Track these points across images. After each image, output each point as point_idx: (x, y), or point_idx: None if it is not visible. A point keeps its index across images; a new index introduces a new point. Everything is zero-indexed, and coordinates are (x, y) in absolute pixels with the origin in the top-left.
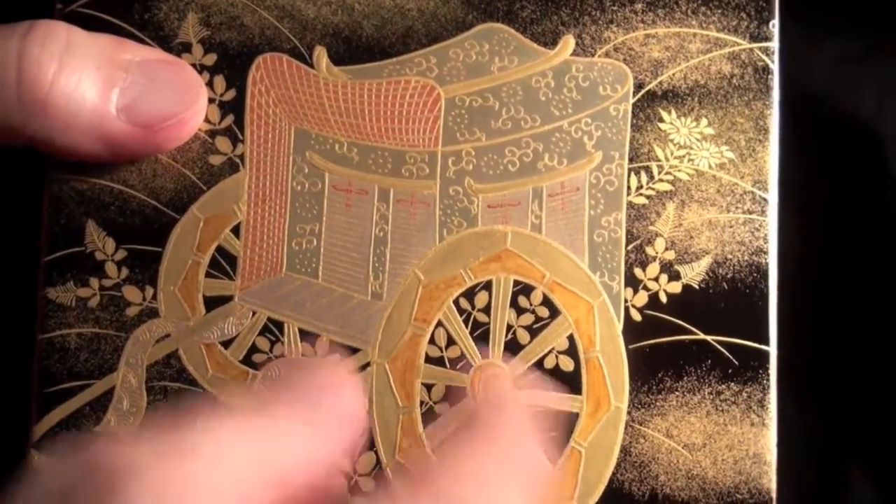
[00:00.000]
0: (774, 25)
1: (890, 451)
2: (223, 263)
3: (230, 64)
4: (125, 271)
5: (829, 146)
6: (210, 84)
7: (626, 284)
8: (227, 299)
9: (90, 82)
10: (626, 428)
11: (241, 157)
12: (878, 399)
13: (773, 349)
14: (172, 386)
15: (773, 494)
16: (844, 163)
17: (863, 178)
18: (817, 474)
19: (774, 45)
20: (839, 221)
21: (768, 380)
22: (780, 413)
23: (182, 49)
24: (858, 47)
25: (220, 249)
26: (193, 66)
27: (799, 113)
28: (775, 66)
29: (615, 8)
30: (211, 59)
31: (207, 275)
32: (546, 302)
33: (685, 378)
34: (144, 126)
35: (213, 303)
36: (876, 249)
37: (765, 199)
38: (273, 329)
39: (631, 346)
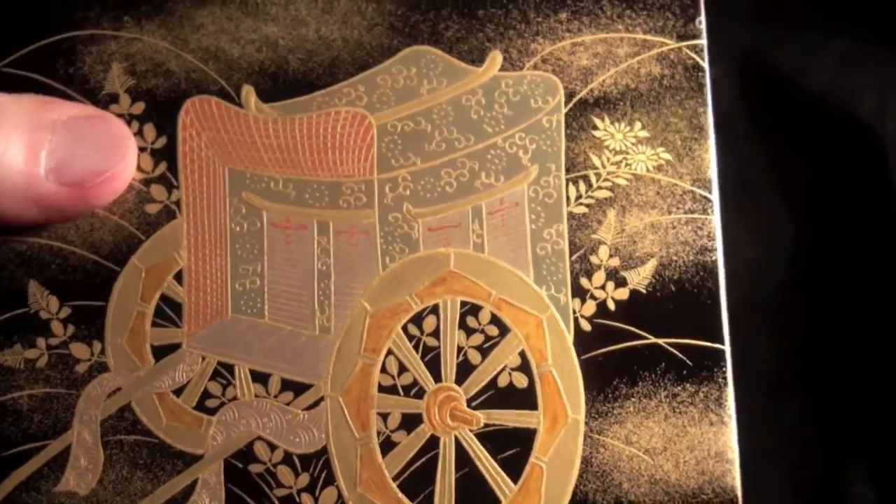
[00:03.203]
0: (701, 22)
1: (890, 451)
2: (168, 311)
3: (159, 110)
4: (71, 328)
5: (830, 146)
6: (140, 133)
7: (574, 295)
8: (175, 347)
9: (17, 147)
10: (585, 439)
11: (178, 203)
12: (879, 399)
13: (727, 346)
14: (128, 439)
15: (738, 492)
16: (845, 163)
17: (863, 178)
18: (817, 474)
19: (703, 41)
20: (839, 221)
21: (724, 377)
22: (781, 414)
23: (109, 100)
24: (858, 47)
25: (164, 297)
26: (122, 115)
27: (799, 113)
28: (706, 63)
29: (540, 19)
30: (139, 107)
31: (153, 324)
32: (495, 320)
33: (640, 383)
34: (75, 185)
35: (161, 352)
36: (877, 249)
37: (706, 198)
38: (224, 372)
39: (583, 357)
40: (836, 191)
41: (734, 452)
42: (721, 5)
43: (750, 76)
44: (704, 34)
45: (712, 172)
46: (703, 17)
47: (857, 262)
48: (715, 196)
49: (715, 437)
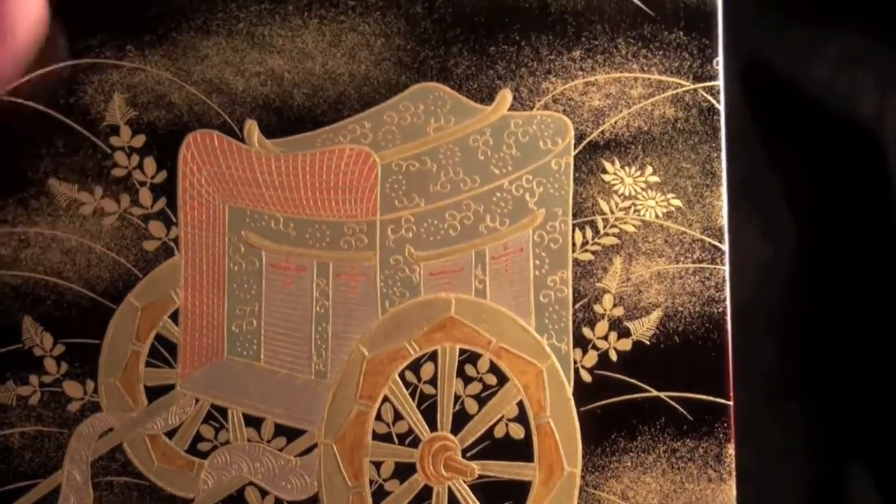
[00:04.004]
0: (718, 63)
1: (890, 451)
2: (163, 351)
3: (160, 144)
4: (65, 366)
5: (830, 146)
6: (140, 167)
7: (575, 345)
8: (169, 388)
9: None
10: (580, 493)
11: (176, 240)
12: (879, 400)
13: (730, 402)
14: (118, 480)
15: None
16: (845, 163)
17: (863, 178)
18: (817, 474)
19: (720, 83)
20: (839, 221)
21: (725, 433)
22: (781, 416)
23: (110, 132)
24: (859, 47)
25: (159, 337)
26: (122, 148)
27: (799, 113)
28: (721, 106)
29: (552, 57)
30: (140, 140)
31: (148, 364)
32: (493, 369)
33: (639, 437)
34: None
35: (155, 392)
36: (877, 248)
37: (715, 247)
38: (217, 416)
39: (582, 409)
40: (837, 191)
41: None
42: (722, 8)
43: (750, 77)
44: (721, 76)
45: (723, 221)
46: (720, 59)
47: (857, 262)
48: (726, 246)
49: (713, 495)
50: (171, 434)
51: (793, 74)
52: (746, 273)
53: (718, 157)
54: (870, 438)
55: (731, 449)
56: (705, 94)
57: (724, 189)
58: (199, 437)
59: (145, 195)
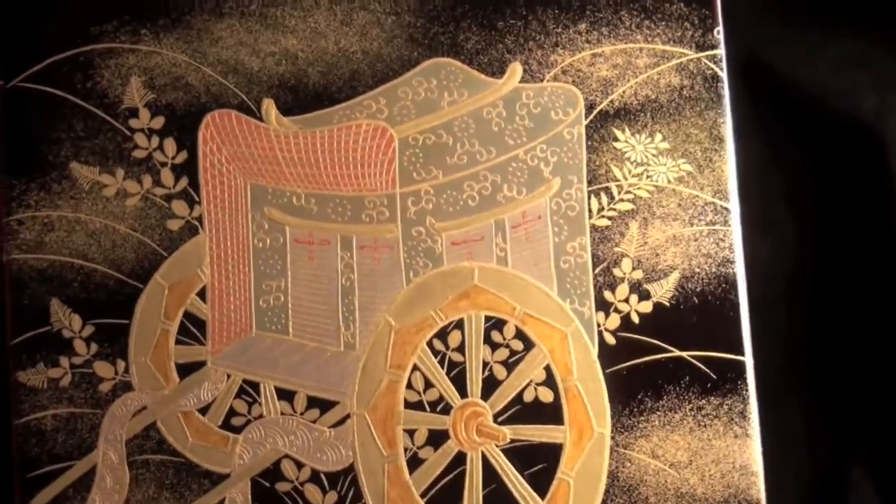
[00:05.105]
0: (719, 32)
1: (890, 451)
2: (192, 329)
3: (179, 125)
4: (94, 347)
5: (830, 146)
6: (160, 147)
7: (598, 308)
8: (199, 365)
9: None
10: (611, 453)
11: (199, 219)
12: (879, 400)
13: (748, 359)
14: (154, 458)
15: None
16: (845, 163)
17: (863, 178)
18: (817, 474)
19: (721, 52)
20: (839, 220)
21: (747, 390)
22: (780, 415)
23: (129, 114)
24: (858, 47)
25: (187, 315)
26: (142, 130)
27: (799, 113)
28: (724, 73)
29: (559, 30)
30: (159, 122)
31: (177, 342)
32: (519, 335)
33: (665, 397)
34: None
35: (186, 370)
36: (877, 247)
37: (726, 209)
38: (249, 390)
39: (608, 371)
40: (837, 191)
41: (759, 465)
42: (723, 7)
43: (749, 77)
44: (722, 44)
45: (731, 183)
46: (721, 28)
47: (857, 261)
48: (735, 207)
49: (740, 450)
50: (204, 410)
51: (792, 74)
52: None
53: (724, 122)
54: (869, 438)
55: (752, 405)
56: (708, 63)
57: (731, 153)
58: (232, 413)
59: (167, 175)
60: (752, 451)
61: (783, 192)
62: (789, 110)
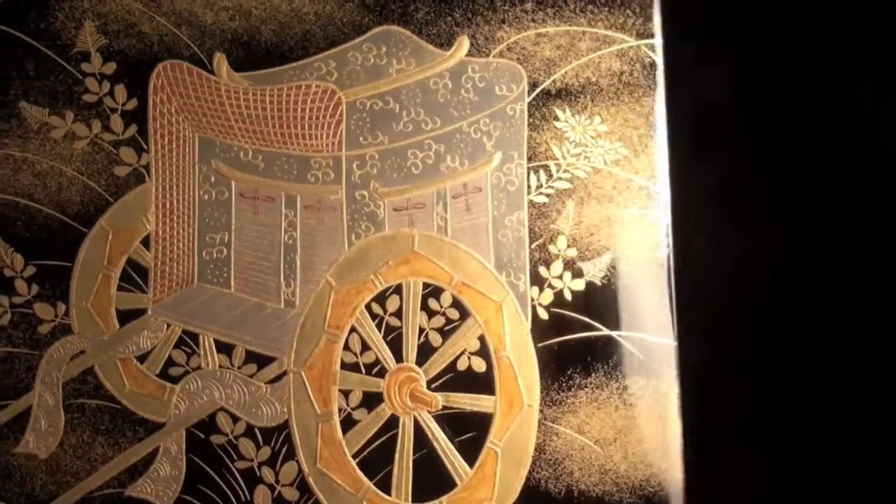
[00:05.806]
0: (656, 21)
1: (890, 451)
2: (135, 276)
3: (130, 72)
4: (35, 288)
5: (828, 147)
6: (111, 93)
7: (532, 283)
8: (140, 312)
9: None
10: (539, 426)
11: (147, 167)
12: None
13: (673, 342)
14: (90, 403)
15: (682, 485)
16: (842, 164)
17: (861, 179)
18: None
19: (658, 41)
20: (838, 221)
21: (672, 373)
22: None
23: (81, 58)
24: (858, 48)
25: (131, 262)
26: (93, 75)
27: (796, 115)
28: (660, 62)
29: (506, 7)
30: (110, 67)
31: (119, 288)
32: (456, 304)
33: (593, 374)
34: None
35: (126, 316)
36: (876, 248)
37: (658, 194)
38: (189, 341)
39: (540, 345)
40: (834, 192)
41: (679, 447)
42: (716, 6)
43: (746, 77)
44: (660, 33)
45: (663, 170)
46: (658, 16)
47: (853, 263)
48: (665, 192)
49: (663, 432)
50: (142, 358)
51: (790, 75)
52: (734, 274)
53: (660, 110)
54: (867, 438)
55: (675, 388)
56: (647, 51)
57: (663, 139)
58: (170, 362)
59: (116, 121)
60: (674, 433)
61: (778, 194)
62: (785, 112)
